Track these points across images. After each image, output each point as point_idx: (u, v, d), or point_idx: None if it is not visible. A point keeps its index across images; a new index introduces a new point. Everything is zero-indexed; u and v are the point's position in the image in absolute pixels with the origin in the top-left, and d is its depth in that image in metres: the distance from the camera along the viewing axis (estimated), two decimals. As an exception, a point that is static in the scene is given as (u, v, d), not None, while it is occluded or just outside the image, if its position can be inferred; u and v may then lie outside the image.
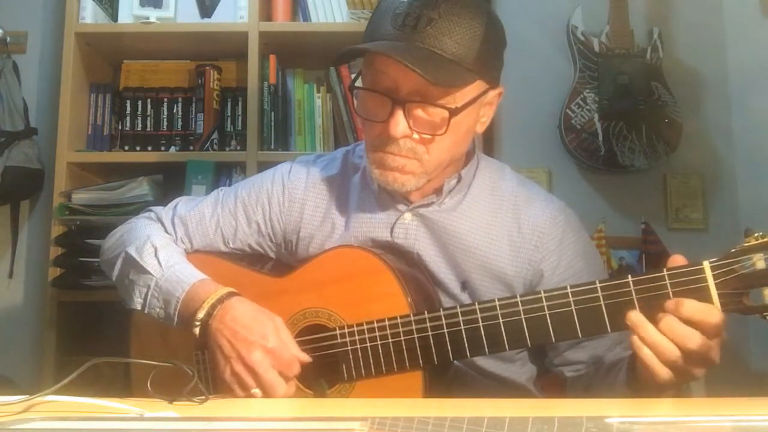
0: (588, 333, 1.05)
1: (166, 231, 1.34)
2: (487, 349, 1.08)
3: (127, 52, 2.50)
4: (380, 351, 1.12)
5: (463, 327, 1.09)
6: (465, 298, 1.21)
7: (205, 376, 1.23)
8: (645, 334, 0.97)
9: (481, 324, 1.08)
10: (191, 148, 2.40)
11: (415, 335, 1.10)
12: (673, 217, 2.58)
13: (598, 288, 1.03)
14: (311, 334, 1.17)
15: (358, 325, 1.14)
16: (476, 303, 1.09)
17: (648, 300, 1.00)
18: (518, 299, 1.07)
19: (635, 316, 0.99)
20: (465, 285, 1.22)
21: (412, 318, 1.11)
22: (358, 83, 1.20)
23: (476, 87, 1.15)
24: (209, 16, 2.44)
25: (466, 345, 1.09)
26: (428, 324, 1.10)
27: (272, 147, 2.36)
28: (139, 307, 1.23)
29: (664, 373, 0.97)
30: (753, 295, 0.97)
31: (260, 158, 2.29)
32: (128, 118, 2.45)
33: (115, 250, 1.32)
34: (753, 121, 2.55)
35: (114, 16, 2.44)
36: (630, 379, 1.11)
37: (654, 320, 0.98)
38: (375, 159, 1.18)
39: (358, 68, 1.21)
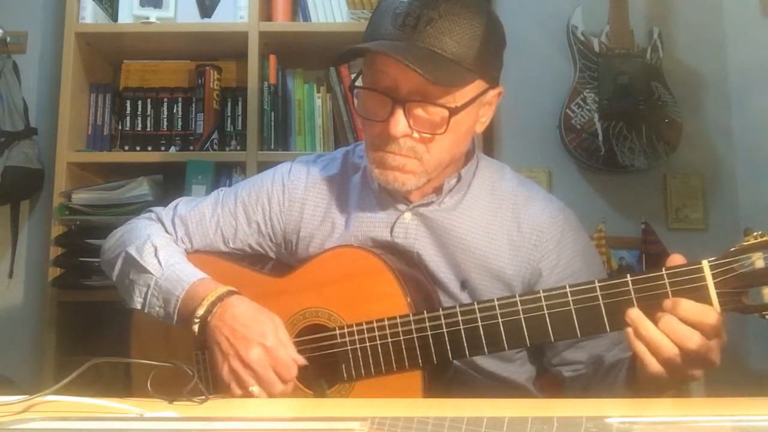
0: (587, 333, 1.05)
1: (167, 231, 1.34)
2: (486, 349, 1.09)
3: (127, 52, 2.50)
4: (380, 351, 1.12)
5: (462, 327, 1.09)
6: (464, 297, 1.22)
7: (205, 376, 1.23)
8: (645, 331, 0.98)
9: (480, 324, 1.08)
10: (191, 148, 2.40)
11: (415, 335, 1.10)
12: (673, 217, 2.58)
13: (597, 287, 1.03)
14: (311, 333, 1.17)
15: (357, 325, 1.14)
16: (475, 303, 1.10)
17: (647, 299, 1.00)
18: (517, 299, 1.07)
19: (634, 313, 0.99)
20: (464, 284, 1.22)
21: (411, 318, 1.11)
22: (359, 83, 1.20)
23: (476, 86, 1.15)
24: (209, 16, 2.44)
25: (465, 345, 1.09)
26: (427, 324, 1.10)
27: (272, 147, 2.36)
28: (139, 307, 1.23)
29: (657, 368, 0.98)
30: (752, 294, 0.97)
31: (260, 158, 2.29)
32: (128, 118, 2.45)
33: (116, 250, 1.32)
34: (753, 121, 2.55)
35: (114, 16, 2.44)
36: (629, 379, 1.11)
37: (653, 319, 0.98)
38: (375, 158, 1.18)
39: (358, 68, 1.21)
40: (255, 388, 1.10)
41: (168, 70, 2.53)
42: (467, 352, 1.10)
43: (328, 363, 1.15)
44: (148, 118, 2.45)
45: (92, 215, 2.27)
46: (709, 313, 0.97)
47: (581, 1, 2.57)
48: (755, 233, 0.97)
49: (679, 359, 0.97)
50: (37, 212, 2.56)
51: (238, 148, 2.38)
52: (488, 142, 2.46)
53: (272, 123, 2.38)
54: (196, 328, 1.15)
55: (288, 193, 1.33)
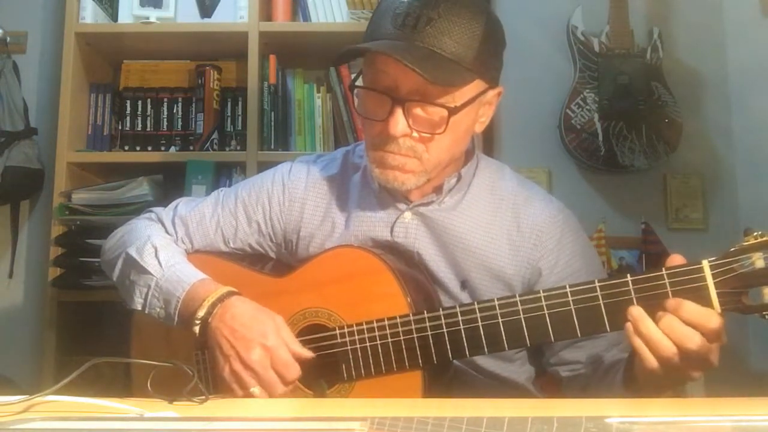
0: (587, 332, 1.05)
1: (167, 231, 1.34)
2: (486, 349, 1.09)
3: (127, 52, 2.50)
4: (380, 351, 1.12)
5: (462, 327, 1.09)
6: (465, 297, 1.22)
7: (205, 376, 1.23)
8: (645, 329, 0.98)
9: (480, 324, 1.08)
10: (191, 148, 2.40)
11: (415, 335, 1.10)
12: (673, 217, 2.58)
13: (597, 287, 1.03)
14: (311, 333, 1.17)
15: (357, 325, 1.14)
16: (475, 303, 1.10)
17: (647, 299, 1.00)
18: (517, 299, 1.07)
19: (636, 311, 0.99)
20: (464, 284, 1.22)
21: (411, 318, 1.11)
22: (359, 82, 1.20)
23: (475, 86, 1.15)
24: (209, 16, 2.44)
25: (466, 345, 1.09)
26: (427, 324, 1.10)
27: (272, 147, 2.36)
28: (139, 308, 1.23)
29: (654, 365, 0.98)
30: (752, 294, 0.97)
31: (260, 158, 2.29)
32: (128, 118, 2.45)
33: (116, 251, 1.32)
34: (753, 121, 2.55)
35: (114, 16, 2.44)
36: (627, 379, 1.11)
37: (654, 319, 0.98)
38: (375, 158, 1.18)
39: (358, 68, 1.21)
40: (256, 390, 1.10)
41: (168, 70, 2.53)
42: (467, 352, 1.10)
43: (328, 363, 1.15)
44: (148, 118, 2.45)
45: (92, 215, 2.27)
46: (713, 318, 0.96)
47: (581, 1, 2.57)
48: (755, 233, 0.97)
49: (678, 359, 0.97)
50: (37, 212, 2.56)
51: (238, 148, 2.38)
52: (488, 142, 2.46)
53: (272, 123, 2.38)
54: (197, 329, 1.15)
55: (288, 193, 1.33)
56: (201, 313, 1.14)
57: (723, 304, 0.97)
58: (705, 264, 0.98)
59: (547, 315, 1.05)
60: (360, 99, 1.22)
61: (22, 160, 2.39)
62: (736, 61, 2.62)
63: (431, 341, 1.10)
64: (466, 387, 1.21)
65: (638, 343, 0.98)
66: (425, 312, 1.11)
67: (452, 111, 1.12)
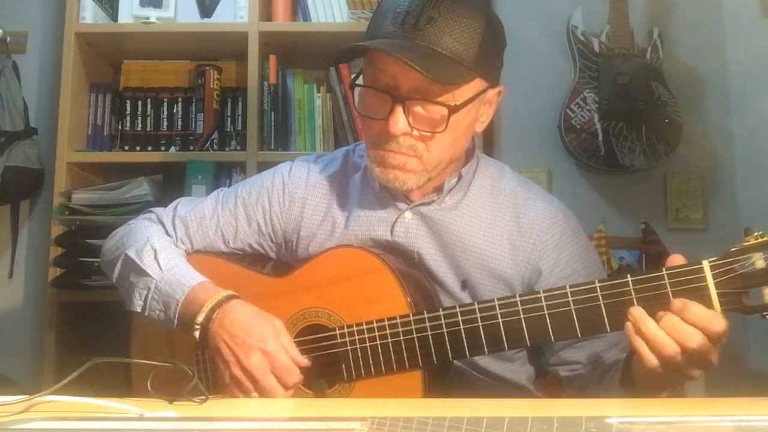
0: (587, 333, 1.05)
1: (167, 232, 1.34)
2: (486, 349, 1.09)
3: (127, 52, 2.50)
4: (380, 351, 1.12)
5: (462, 327, 1.09)
6: (465, 297, 1.22)
7: (205, 376, 1.23)
8: (646, 329, 0.97)
9: (480, 324, 1.08)
10: (191, 148, 2.40)
11: (415, 335, 1.10)
12: (673, 217, 2.58)
13: (598, 288, 1.03)
14: (311, 334, 1.17)
15: (357, 325, 1.14)
16: (475, 303, 1.09)
17: (647, 299, 0.99)
18: (517, 299, 1.07)
19: (637, 311, 0.98)
20: (465, 284, 1.22)
21: (411, 318, 1.11)
22: (359, 81, 1.20)
23: (476, 85, 1.15)
24: (209, 16, 2.44)
25: (466, 345, 1.09)
26: (427, 324, 1.10)
27: (272, 147, 2.36)
28: (139, 310, 1.23)
29: (655, 364, 0.97)
30: (752, 294, 0.97)
31: (260, 158, 2.29)
32: (128, 118, 2.44)
33: (115, 252, 1.32)
34: (753, 121, 2.55)
35: (114, 16, 2.44)
36: (624, 379, 1.11)
37: (655, 318, 0.98)
38: (375, 157, 1.18)
39: (358, 68, 1.21)
40: (254, 395, 1.10)
41: (168, 70, 2.52)
42: (467, 352, 1.10)
43: (328, 363, 1.15)
44: (148, 118, 2.45)
45: (92, 215, 2.27)
46: (718, 321, 0.96)
47: (581, 1, 2.57)
48: (755, 233, 0.97)
49: (680, 358, 0.97)
50: (37, 212, 2.56)
51: (238, 148, 2.38)
52: (488, 142, 2.46)
53: (272, 123, 2.38)
54: (197, 334, 1.15)
55: (288, 193, 1.33)
56: (200, 318, 1.14)
57: (723, 304, 0.97)
58: (705, 264, 0.98)
59: (547, 315, 1.05)
60: (360, 98, 1.22)
61: (22, 160, 2.39)
62: (736, 61, 2.62)
63: (431, 341, 1.10)
64: (466, 387, 1.21)
65: (639, 342, 0.98)
66: (425, 312, 1.11)
67: (453, 109, 1.12)
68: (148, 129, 2.44)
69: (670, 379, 1.01)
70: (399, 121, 1.12)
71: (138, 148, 2.43)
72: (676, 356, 0.96)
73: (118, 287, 1.32)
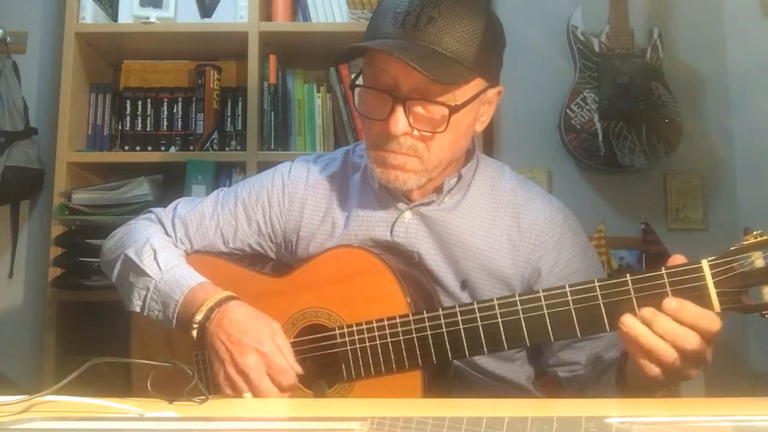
0: (587, 332, 1.05)
1: (167, 232, 1.34)
2: (485, 349, 1.08)
3: (127, 52, 2.50)
4: (379, 351, 1.12)
5: (462, 327, 1.09)
6: (464, 297, 1.22)
7: (205, 377, 1.23)
8: (644, 340, 0.96)
9: (480, 323, 1.08)
10: (191, 148, 2.40)
11: (414, 335, 1.10)
12: (673, 217, 2.58)
13: (597, 287, 1.03)
14: (311, 334, 1.17)
15: (357, 325, 1.14)
16: (475, 303, 1.09)
17: (647, 299, 0.99)
18: (517, 299, 1.07)
19: (629, 320, 0.98)
20: (464, 284, 1.22)
21: (411, 318, 1.11)
22: (359, 81, 1.20)
23: (476, 85, 1.15)
24: (209, 16, 2.44)
25: (465, 344, 1.09)
26: (427, 324, 1.10)
27: (272, 147, 2.36)
28: (138, 310, 1.23)
29: (656, 371, 0.97)
30: (752, 293, 0.97)
31: (260, 158, 2.29)
32: (128, 118, 2.45)
33: (115, 252, 1.32)
34: (753, 121, 2.55)
35: (114, 16, 2.44)
36: (619, 380, 1.11)
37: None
38: (376, 157, 1.18)
39: (358, 68, 1.21)
40: (248, 395, 1.10)
41: (168, 70, 2.53)
42: (467, 352, 1.10)
43: (328, 363, 1.15)
44: (148, 118, 2.45)
45: (92, 215, 2.27)
46: (712, 320, 0.96)
47: (581, 1, 2.57)
48: (755, 232, 0.97)
49: (679, 362, 0.97)
50: (37, 212, 2.56)
51: (238, 148, 2.38)
52: (488, 142, 2.47)
53: (272, 123, 2.38)
54: (194, 333, 1.15)
55: (288, 193, 1.33)
56: (199, 318, 1.14)
57: (723, 304, 0.97)
58: (704, 263, 0.98)
59: (546, 315, 1.05)
60: (360, 98, 1.22)
61: (22, 160, 2.39)
62: (736, 61, 2.62)
63: (431, 341, 1.10)
64: (466, 387, 1.21)
65: (637, 352, 0.98)
66: (425, 312, 1.11)
67: (453, 109, 1.12)
68: (148, 129, 2.44)
69: (666, 381, 1.01)
70: (399, 122, 1.12)
71: (138, 148, 2.43)
72: (675, 361, 0.96)
73: (117, 287, 1.32)
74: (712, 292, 0.97)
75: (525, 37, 2.54)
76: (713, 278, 0.97)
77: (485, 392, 1.21)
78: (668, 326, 0.96)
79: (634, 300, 1.00)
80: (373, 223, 1.26)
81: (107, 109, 2.47)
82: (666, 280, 0.99)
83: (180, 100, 2.45)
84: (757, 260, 0.96)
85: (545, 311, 1.05)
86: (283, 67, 2.44)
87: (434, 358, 1.10)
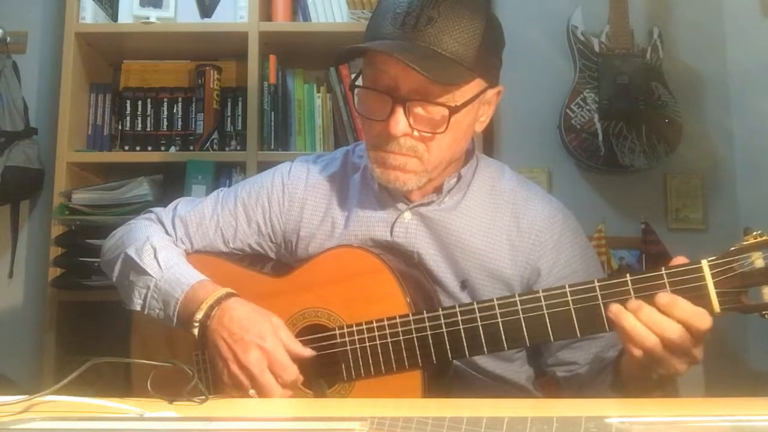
0: (587, 332, 1.05)
1: (167, 232, 1.34)
2: (485, 349, 1.09)
3: (127, 52, 2.50)
4: (379, 351, 1.12)
5: (461, 326, 1.09)
6: (464, 297, 1.22)
7: (205, 376, 1.23)
8: (627, 324, 0.98)
9: (479, 323, 1.08)
10: (191, 148, 2.40)
11: (414, 335, 1.10)
12: (673, 217, 2.58)
13: (597, 287, 1.03)
14: (311, 333, 1.17)
15: (357, 325, 1.14)
16: (475, 303, 1.10)
17: (646, 299, 0.99)
18: (517, 299, 1.07)
19: (615, 307, 0.99)
20: (464, 284, 1.22)
21: (411, 318, 1.11)
22: (359, 82, 1.20)
23: (475, 85, 1.15)
24: (209, 16, 2.44)
25: (465, 344, 1.09)
26: (427, 324, 1.10)
27: (272, 147, 2.36)
28: (138, 308, 1.23)
29: (638, 353, 0.98)
30: (752, 293, 0.97)
31: (260, 158, 2.29)
32: (128, 118, 2.44)
33: (115, 251, 1.32)
34: (753, 121, 2.55)
35: (114, 16, 2.44)
36: (615, 380, 1.12)
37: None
38: (376, 158, 1.18)
39: (358, 68, 1.21)
40: (252, 392, 1.10)
41: (168, 70, 2.52)
42: (467, 352, 1.10)
43: (328, 363, 1.15)
44: (148, 118, 2.45)
45: (92, 215, 2.27)
46: (702, 317, 0.96)
47: (581, 1, 2.57)
48: (755, 233, 0.97)
49: (661, 349, 0.97)
50: (37, 212, 2.56)
51: (238, 148, 2.38)
52: (488, 142, 2.46)
53: (272, 123, 2.38)
54: (195, 331, 1.15)
55: (288, 193, 1.33)
56: (199, 316, 1.14)
57: (723, 304, 0.97)
58: (704, 263, 0.98)
59: (546, 315, 1.05)
60: (360, 99, 1.22)
61: (22, 160, 2.39)
62: (736, 61, 2.62)
63: (431, 341, 1.10)
64: (466, 387, 1.21)
65: (622, 335, 0.99)
66: (425, 312, 1.11)
67: (453, 110, 1.12)
68: (148, 129, 2.44)
69: (659, 376, 1.01)
70: (399, 122, 1.12)
71: (138, 148, 2.43)
72: (656, 347, 0.97)
73: (117, 286, 1.32)
74: (712, 292, 0.97)
75: (525, 37, 2.54)
76: (713, 278, 0.97)
77: (485, 392, 1.21)
78: (651, 314, 0.97)
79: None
80: (373, 223, 1.26)
81: (107, 109, 2.47)
82: (666, 281, 0.99)
83: (180, 100, 2.45)
84: (757, 260, 0.96)
85: (545, 311, 1.05)
86: (283, 67, 2.44)
87: (434, 358, 1.10)
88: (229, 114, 2.43)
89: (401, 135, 1.13)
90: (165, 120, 2.44)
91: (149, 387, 1.00)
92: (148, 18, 2.37)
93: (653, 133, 2.48)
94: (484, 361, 1.22)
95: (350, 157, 1.36)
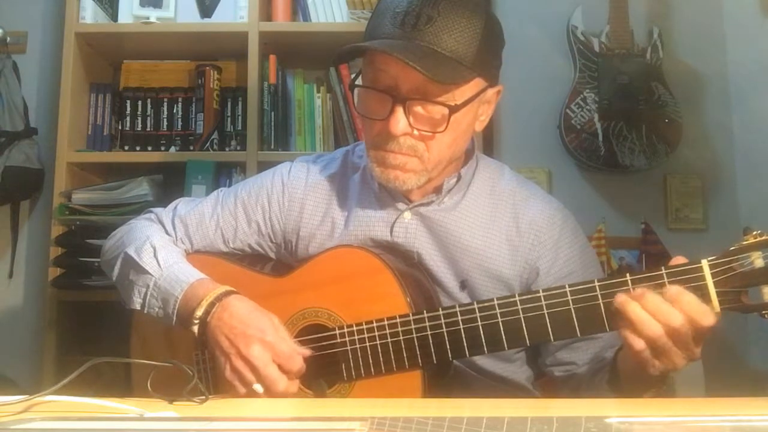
0: (587, 332, 1.05)
1: (167, 232, 1.34)
2: (485, 349, 1.09)
3: (127, 52, 2.50)
4: (379, 351, 1.12)
5: (462, 326, 1.09)
6: (464, 297, 1.22)
7: (205, 376, 1.23)
8: (632, 311, 0.97)
9: (480, 323, 1.08)
10: (191, 148, 2.40)
11: (414, 335, 1.10)
12: (673, 217, 2.58)
13: (597, 287, 1.03)
14: (311, 333, 1.17)
15: (357, 324, 1.14)
16: (475, 303, 1.10)
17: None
18: (517, 299, 1.07)
19: (621, 297, 0.99)
20: (464, 284, 1.22)
21: (411, 318, 1.11)
22: (359, 82, 1.20)
23: (475, 85, 1.15)
24: (209, 16, 2.44)
25: (465, 344, 1.09)
26: (427, 324, 1.10)
27: (272, 147, 2.36)
28: (138, 307, 1.23)
29: (641, 345, 0.97)
30: (752, 293, 0.97)
31: (260, 158, 2.29)
32: (128, 118, 2.45)
33: (115, 251, 1.32)
34: (753, 121, 2.55)
35: (114, 16, 2.44)
36: (611, 379, 1.12)
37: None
38: (376, 157, 1.18)
39: (357, 68, 1.21)
40: (258, 386, 1.09)
41: (168, 70, 2.53)
42: (467, 352, 1.10)
43: (328, 363, 1.15)
44: (148, 118, 2.45)
45: (92, 215, 2.27)
46: (706, 313, 0.96)
47: (581, 1, 2.57)
48: (755, 232, 0.97)
49: (664, 340, 0.97)
50: (37, 212, 2.56)
51: (238, 148, 2.38)
52: (488, 142, 2.46)
53: (272, 123, 2.38)
54: (195, 329, 1.15)
55: (288, 193, 1.33)
56: (199, 313, 1.14)
57: (723, 303, 0.97)
58: (704, 263, 0.98)
59: (546, 315, 1.05)
60: (360, 98, 1.22)
61: (22, 160, 2.39)
62: (736, 61, 2.62)
63: (431, 341, 1.10)
64: (466, 387, 1.21)
65: (625, 325, 0.99)
66: (425, 312, 1.11)
67: (453, 109, 1.12)
68: (148, 129, 2.44)
69: (656, 370, 1.00)
70: (399, 122, 1.12)
71: (138, 148, 2.43)
72: (659, 336, 0.96)
73: (117, 286, 1.32)
74: (712, 291, 0.97)
75: (525, 37, 2.54)
76: (713, 278, 0.97)
77: (485, 392, 1.21)
78: (656, 302, 0.97)
79: (633, 300, 1.00)
80: (373, 223, 1.26)
81: (107, 109, 2.47)
82: (666, 280, 0.99)
83: (180, 100, 2.45)
84: (757, 260, 0.96)
85: (545, 311, 1.05)
86: (283, 67, 2.44)
87: (434, 358, 1.10)
88: (229, 114, 2.43)
89: (401, 134, 1.13)
90: (165, 120, 2.44)
91: (149, 387, 1.00)
92: (148, 18, 2.37)
93: (653, 133, 2.48)
94: (484, 361, 1.22)
95: (350, 157, 1.36)
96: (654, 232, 2.51)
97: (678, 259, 1.01)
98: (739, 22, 2.63)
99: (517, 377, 1.27)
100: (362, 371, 1.13)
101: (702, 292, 0.97)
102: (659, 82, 2.50)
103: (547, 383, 1.31)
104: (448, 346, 1.09)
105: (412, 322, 1.11)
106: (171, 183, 2.36)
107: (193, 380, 0.98)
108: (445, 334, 1.09)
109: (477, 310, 1.08)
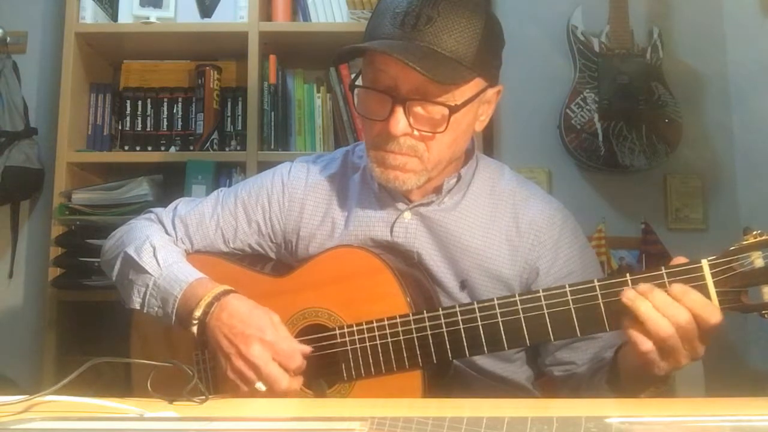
0: (587, 332, 1.05)
1: (167, 232, 1.34)
2: (486, 349, 1.09)
3: (127, 52, 2.50)
4: (379, 351, 1.12)
5: (462, 326, 1.09)
6: (464, 297, 1.22)
7: (205, 376, 1.23)
8: (644, 310, 0.97)
9: (480, 323, 1.08)
10: (191, 148, 2.40)
11: (414, 335, 1.10)
12: (673, 217, 2.58)
13: (597, 287, 1.03)
14: (311, 333, 1.17)
15: (357, 324, 1.14)
16: (475, 302, 1.10)
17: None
18: (517, 299, 1.07)
19: (631, 293, 0.98)
20: (464, 284, 1.22)
21: (411, 318, 1.11)
22: (359, 82, 1.20)
23: (475, 85, 1.15)
24: (209, 16, 2.44)
25: (465, 344, 1.09)
26: (427, 323, 1.10)
27: (272, 147, 2.36)
28: (137, 307, 1.23)
29: (648, 345, 0.97)
30: (752, 293, 0.97)
31: (260, 158, 2.29)
32: (128, 118, 2.45)
33: (115, 251, 1.32)
34: (753, 121, 2.55)
35: (114, 16, 2.44)
36: (611, 378, 1.12)
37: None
38: (376, 157, 1.18)
39: (357, 68, 1.21)
40: (260, 385, 1.09)
41: (168, 70, 2.53)
42: (467, 352, 1.10)
43: (328, 363, 1.15)
44: (148, 118, 2.45)
45: (92, 215, 2.27)
46: (713, 311, 0.96)
47: (581, 1, 2.57)
48: (755, 232, 0.97)
49: (673, 340, 0.96)
50: (37, 212, 2.56)
51: (238, 148, 2.38)
52: (488, 142, 2.46)
53: (272, 123, 2.38)
54: (194, 329, 1.15)
55: (288, 194, 1.33)
56: (198, 313, 1.14)
57: (723, 303, 0.97)
58: (704, 263, 0.98)
59: (546, 315, 1.05)
60: (360, 99, 1.22)
61: (22, 160, 2.39)
62: (736, 61, 2.62)
63: (431, 341, 1.10)
64: (466, 387, 1.21)
65: (633, 324, 0.98)
66: (425, 312, 1.11)
67: (453, 109, 1.12)
68: (148, 129, 2.44)
69: (660, 370, 1.00)
70: (399, 122, 1.12)
71: (138, 148, 2.43)
72: (671, 337, 0.96)
73: (117, 285, 1.32)
74: (712, 291, 0.97)
75: (525, 37, 2.54)
76: (713, 278, 0.97)
77: (485, 392, 1.21)
78: (663, 298, 0.96)
79: (634, 300, 1.00)
80: (373, 223, 1.26)
81: (107, 109, 2.47)
82: (666, 280, 0.99)
83: (180, 100, 2.45)
84: (757, 260, 0.96)
85: (545, 311, 1.05)
86: (283, 67, 2.44)
87: (434, 358, 1.10)
88: (229, 114, 2.43)
89: (401, 134, 1.13)
90: (165, 120, 2.44)
91: (149, 387, 1.00)
92: (148, 18, 2.37)
93: (653, 133, 2.48)
94: (484, 361, 1.22)
95: (350, 157, 1.36)
96: (654, 232, 2.51)
97: (678, 259, 1.01)
98: (739, 22, 2.63)
99: (517, 377, 1.27)
100: (362, 371, 1.13)
101: (702, 292, 0.97)
102: (659, 82, 2.50)
103: (547, 383, 1.31)
104: (448, 346, 1.09)
105: (412, 322, 1.11)
106: (171, 183, 2.36)
107: (193, 380, 0.98)
108: (445, 334, 1.09)
109: (477, 310, 1.08)
